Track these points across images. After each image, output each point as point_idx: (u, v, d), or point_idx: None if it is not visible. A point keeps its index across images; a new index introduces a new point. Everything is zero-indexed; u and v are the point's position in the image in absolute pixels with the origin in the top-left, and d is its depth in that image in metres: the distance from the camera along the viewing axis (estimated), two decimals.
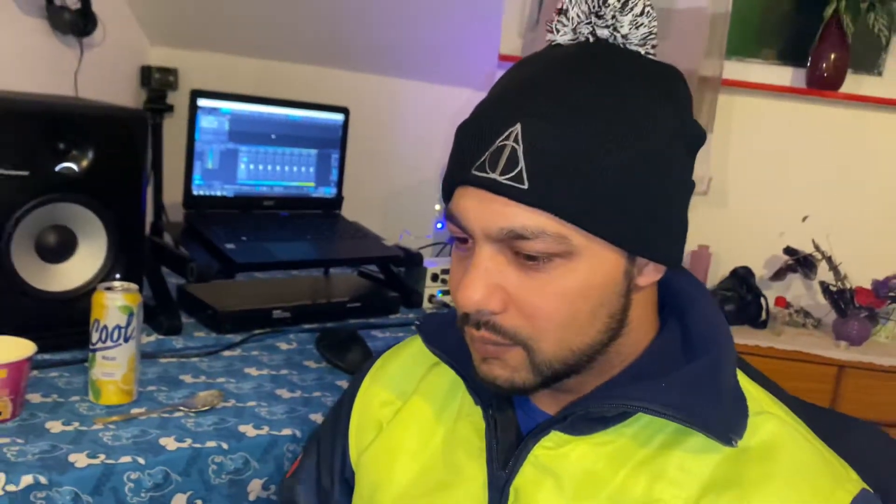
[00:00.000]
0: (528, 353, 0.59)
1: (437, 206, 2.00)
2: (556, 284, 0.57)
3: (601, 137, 0.55)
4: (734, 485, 0.57)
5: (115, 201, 1.21)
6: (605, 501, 0.59)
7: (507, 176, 0.55)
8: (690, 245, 2.25)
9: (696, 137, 0.62)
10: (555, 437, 0.62)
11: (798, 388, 2.00)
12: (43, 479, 0.85)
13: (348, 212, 1.71)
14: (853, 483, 0.59)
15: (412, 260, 1.65)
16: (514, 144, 0.54)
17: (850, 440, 0.75)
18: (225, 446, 0.98)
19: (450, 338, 0.67)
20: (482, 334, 0.59)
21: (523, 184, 0.54)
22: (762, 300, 2.14)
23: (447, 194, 0.61)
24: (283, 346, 1.36)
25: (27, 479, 0.84)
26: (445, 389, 0.71)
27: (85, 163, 1.16)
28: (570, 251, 0.56)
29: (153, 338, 1.31)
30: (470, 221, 0.58)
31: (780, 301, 2.20)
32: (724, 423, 0.58)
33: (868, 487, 0.60)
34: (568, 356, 0.59)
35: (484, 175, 0.56)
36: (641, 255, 0.59)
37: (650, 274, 0.61)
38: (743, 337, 2.05)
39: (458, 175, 0.58)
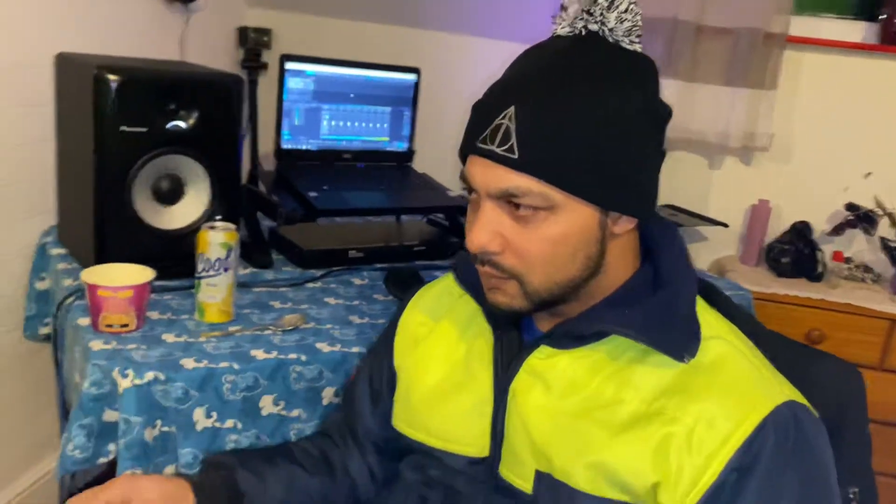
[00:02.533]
0: (521, 285, 0.75)
1: None
2: (541, 232, 0.72)
3: (577, 117, 0.70)
4: (681, 391, 0.72)
5: (216, 153, 1.42)
6: (582, 400, 0.75)
7: (503, 148, 0.70)
8: (751, 199, 2.33)
9: (662, 114, 0.75)
10: (545, 350, 0.79)
11: (849, 339, 2.08)
12: (161, 376, 1.08)
13: (419, 164, 1.88)
14: (782, 395, 0.72)
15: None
16: (509, 123, 0.70)
17: (815, 368, 0.88)
18: (304, 358, 1.19)
19: (474, 276, 0.84)
20: (486, 270, 0.76)
21: (514, 154, 0.70)
22: (818, 254, 2.19)
23: (462, 159, 0.77)
24: (357, 281, 1.56)
25: (150, 375, 1.08)
26: (469, 315, 0.88)
27: (191, 121, 1.37)
28: (553, 206, 0.71)
29: (248, 271, 1.53)
30: (476, 183, 0.74)
31: (838, 255, 2.24)
32: (677, 343, 0.72)
33: (802, 401, 0.74)
34: (552, 288, 0.75)
35: (486, 147, 0.72)
36: (613, 209, 0.74)
37: (624, 224, 0.75)
38: (796, 289, 2.12)
39: (468, 146, 0.74)
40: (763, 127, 2.23)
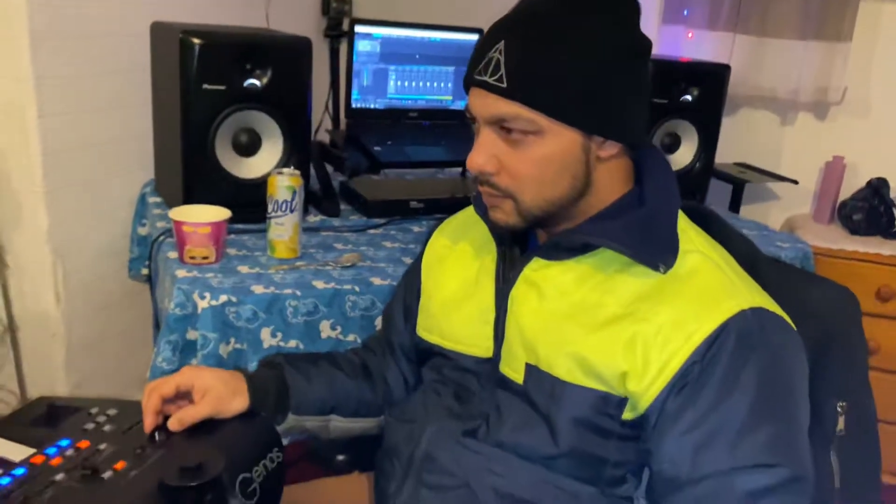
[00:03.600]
0: (515, 203, 0.84)
1: None
2: (530, 154, 0.81)
3: (559, 50, 0.78)
4: (652, 297, 0.80)
5: (288, 109, 1.56)
6: (569, 305, 0.84)
7: (494, 78, 0.80)
8: (826, 156, 2.29)
9: (643, 47, 0.83)
10: (538, 262, 0.88)
11: None
12: (234, 299, 1.25)
13: None
14: (750, 302, 0.78)
15: None
16: (499, 56, 0.79)
17: (812, 291, 0.93)
18: (358, 290, 1.33)
19: (484, 205, 0.94)
20: (485, 189, 0.86)
21: (503, 83, 0.79)
22: (894, 211, 2.15)
23: (466, 91, 0.87)
24: (416, 228, 1.68)
25: (223, 298, 1.24)
26: (483, 238, 0.98)
27: (265, 80, 1.52)
28: (539, 130, 0.80)
29: (318, 218, 1.68)
30: (474, 111, 0.84)
31: None
32: (654, 254, 0.80)
33: (774, 310, 0.80)
34: (543, 205, 0.84)
35: (480, 78, 0.81)
36: (594, 134, 0.82)
37: (609, 149, 0.83)
38: (867, 245, 2.09)
39: (468, 77, 0.84)
40: (836, 80, 2.19)
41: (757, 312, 0.78)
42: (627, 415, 0.80)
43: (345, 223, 1.67)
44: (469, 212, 1.04)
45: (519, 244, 0.93)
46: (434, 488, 0.88)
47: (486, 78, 0.81)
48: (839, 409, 0.90)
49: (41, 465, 0.84)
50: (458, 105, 1.94)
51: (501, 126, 0.82)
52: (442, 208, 1.77)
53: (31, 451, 0.88)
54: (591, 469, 0.83)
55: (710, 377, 0.76)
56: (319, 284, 1.32)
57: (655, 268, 0.80)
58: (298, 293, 1.29)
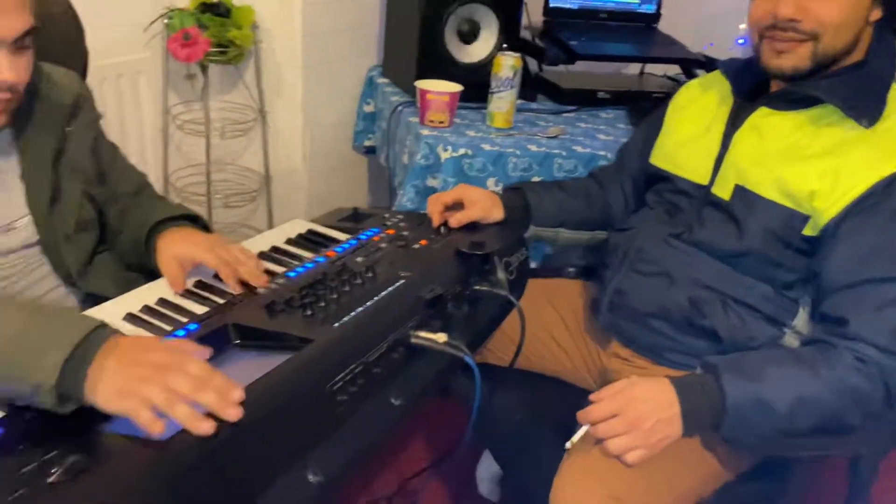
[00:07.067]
0: (815, 45, 1.04)
1: (742, 26, 2.34)
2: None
3: None
4: (851, 142, 1.03)
5: (504, 3, 1.84)
6: (784, 145, 1.07)
7: None
8: None
9: None
10: (764, 110, 1.12)
11: None
12: (469, 152, 1.57)
13: (665, 26, 2.17)
14: None
15: (711, 65, 2.08)
16: None
17: None
18: (564, 154, 1.62)
19: (732, 67, 1.19)
20: (786, 35, 1.05)
21: None
22: None
23: None
24: (603, 115, 1.93)
25: (462, 151, 1.57)
26: (721, 95, 1.21)
27: None
28: None
29: (520, 101, 1.97)
30: None
31: None
32: (862, 111, 1.02)
33: None
34: (834, 50, 1.04)
35: None
36: None
37: (875, 14, 1.04)
38: None
39: None
40: None
41: None
42: (808, 231, 1.05)
43: (542, 107, 1.95)
44: (711, 76, 1.29)
45: (751, 99, 1.16)
46: (642, 273, 1.18)
47: None
48: None
49: (366, 239, 1.20)
50: (645, 8, 2.15)
51: None
52: (624, 100, 2.01)
53: (349, 236, 1.23)
54: (768, 270, 1.09)
55: (882, 209, 0.99)
56: (532, 147, 1.62)
57: (860, 122, 1.02)
58: (518, 153, 1.60)
